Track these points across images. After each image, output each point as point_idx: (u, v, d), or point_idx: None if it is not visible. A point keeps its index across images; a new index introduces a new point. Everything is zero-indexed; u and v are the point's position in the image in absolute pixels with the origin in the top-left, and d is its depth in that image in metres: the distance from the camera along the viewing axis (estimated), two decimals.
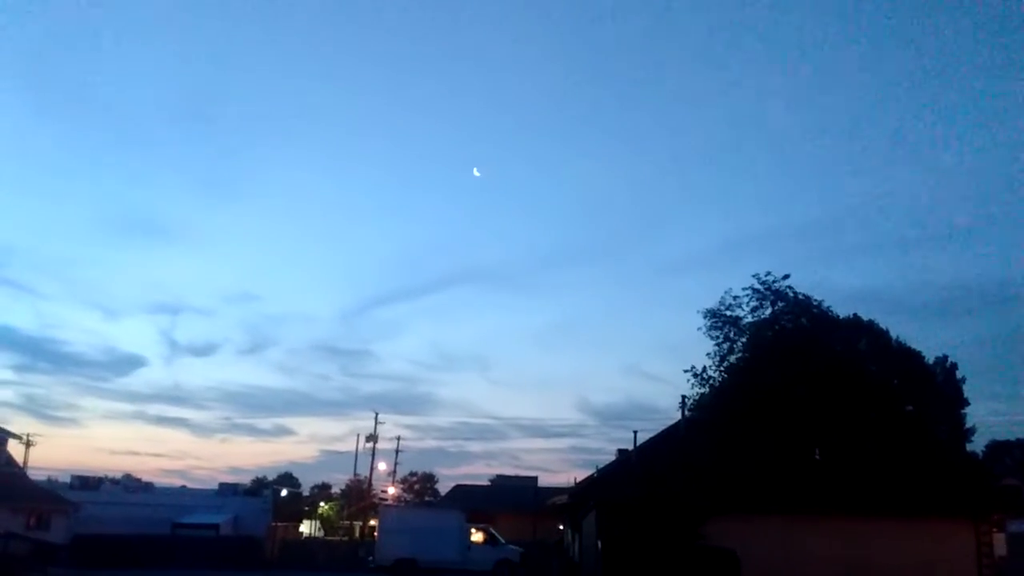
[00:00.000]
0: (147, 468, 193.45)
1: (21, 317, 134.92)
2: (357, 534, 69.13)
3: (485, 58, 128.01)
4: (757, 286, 32.02)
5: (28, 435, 57.25)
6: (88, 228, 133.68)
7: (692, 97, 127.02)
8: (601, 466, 35.83)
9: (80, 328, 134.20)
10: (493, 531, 41.68)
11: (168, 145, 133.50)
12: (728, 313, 32.29)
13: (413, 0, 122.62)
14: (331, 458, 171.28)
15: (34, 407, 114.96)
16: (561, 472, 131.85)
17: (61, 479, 63.58)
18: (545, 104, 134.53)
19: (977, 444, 51.13)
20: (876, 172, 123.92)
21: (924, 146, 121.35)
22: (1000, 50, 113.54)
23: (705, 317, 32.49)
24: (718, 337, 32.18)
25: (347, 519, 78.35)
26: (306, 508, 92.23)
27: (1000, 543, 33.56)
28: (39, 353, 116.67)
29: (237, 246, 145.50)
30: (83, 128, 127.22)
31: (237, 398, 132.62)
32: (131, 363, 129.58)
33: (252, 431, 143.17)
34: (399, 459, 75.05)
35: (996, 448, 57.36)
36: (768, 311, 32.15)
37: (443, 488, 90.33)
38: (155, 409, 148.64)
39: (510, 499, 60.12)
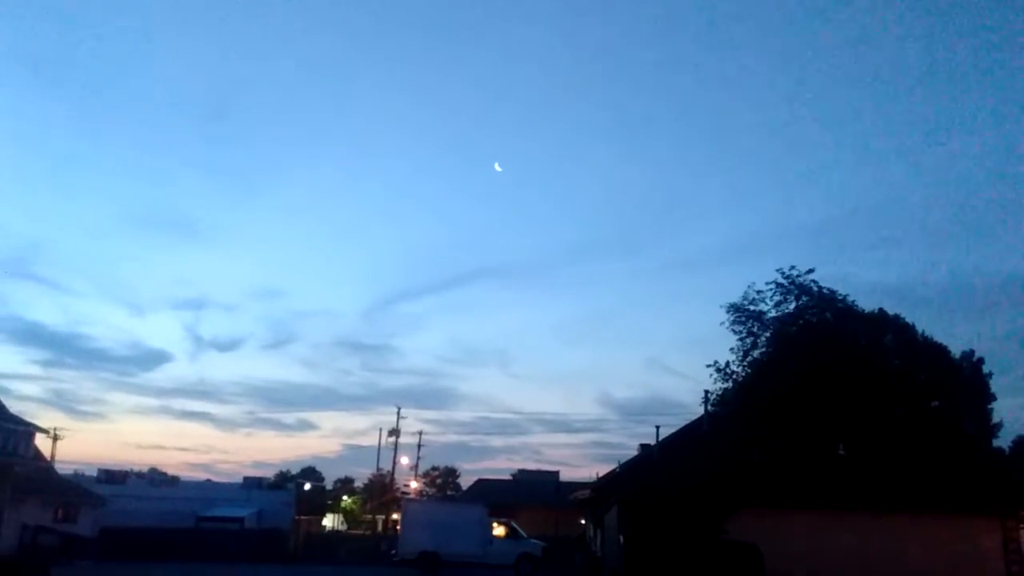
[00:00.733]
0: (173, 462, 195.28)
1: (49, 313, 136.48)
2: (380, 528, 69.53)
3: (506, 53, 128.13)
4: (781, 280, 31.81)
5: (55, 429, 57.95)
6: (115, 225, 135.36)
7: (714, 91, 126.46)
8: (623, 461, 35.82)
9: (107, 324, 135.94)
10: (515, 525, 41.73)
11: (193, 143, 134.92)
12: (752, 308, 32.08)
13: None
14: (354, 452, 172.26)
15: (62, 402, 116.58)
16: (583, 467, 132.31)
17: (88, 473, 64.34)
18: (566, 99, 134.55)
19: (1004, 440, 50.56)
20: (900, 165, 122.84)
21: (949, 138, 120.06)
22: None
23: (728, 312, 32.29)
24: (741, 332, 31.99)
25: (370, 513, 78.82)
26: (329, 502, 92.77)
27: None
28: (67, 349, 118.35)
29: (261, 242, 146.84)
30: (110, 127, 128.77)
31: (261, 392, 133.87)
32: (157, 358, 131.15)
33: (276, 425, 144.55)
34: (421, 453, 75.26)
35: (1023, 444, 56.75)
36: (792, 305, 31.92)
37: (465, 482, 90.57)
38: (180, 404, 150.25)
39: (532, 494, 60.16)
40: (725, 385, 32.64)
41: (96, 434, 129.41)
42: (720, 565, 24.47)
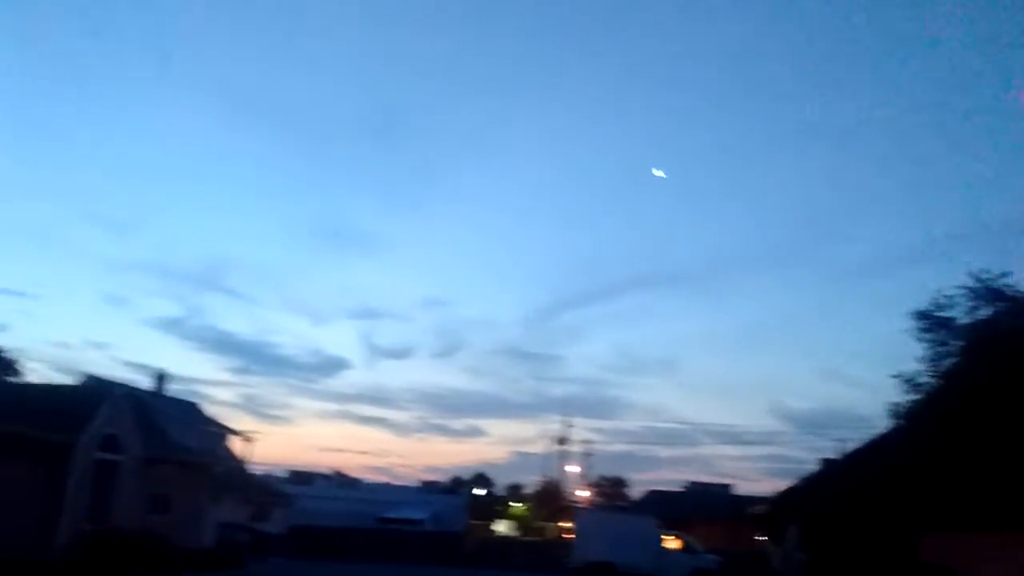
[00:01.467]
0: (353, 464, 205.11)
1: (239, 323, 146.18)
2: (551, 535, 69.88)
3: (664, 58, 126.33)
4: (973, 285, 29.62)
5: (248, 432, 61.81)
6: (296, 240, 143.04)
7: (892, 86, 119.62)
8: (800, 475, 34.43)
9: (291, 333, 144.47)
10: (690, 539, 40.92)
11: (364, 159, 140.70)
12: (941, 314, 30.01)
13: (589, 8, 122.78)
14: (522, 459, 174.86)
15: (252, 406, 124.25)
16: (756, 481, 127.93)
17: (277, 474, 68.28)
18: (734, 99, 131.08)
19: None
20: None
21: None
22: None
23: (915, 319, 30.37)
24: (930, 340, 29.98)
25: (540, 520, 79.38)
26: (499, 508, 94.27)
27: None
28: (256, 356, 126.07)
29: (428, 253, 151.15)
30: (284, 147, 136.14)
31: (432, 399, 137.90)
32: (336, 365, 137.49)
33: (447, 431, 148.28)
34: (589, 462, 75.32)
35: None
36: (986, 311, 29.66)
37: (633, 493, 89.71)
38: (358, 409, 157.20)
39: (704, 506, 58.83)
40: (914, 397, 30.66)
41: (282, 437, 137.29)
42: None
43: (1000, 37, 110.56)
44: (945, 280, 30.16)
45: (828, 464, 35.26)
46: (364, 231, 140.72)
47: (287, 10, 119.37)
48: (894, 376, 30.42)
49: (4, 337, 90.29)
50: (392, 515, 57.71)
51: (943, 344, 30.15)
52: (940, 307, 30.22)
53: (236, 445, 48.12)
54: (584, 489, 79.17)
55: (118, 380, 34.68)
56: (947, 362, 30.09)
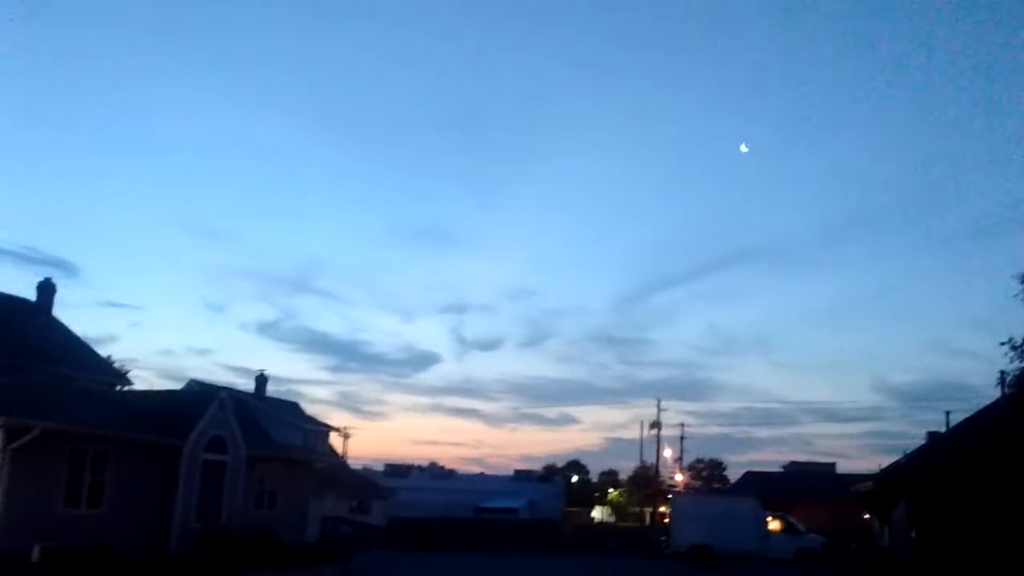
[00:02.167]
0: (447, 456, 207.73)
1: (332, 323, 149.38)
2: (647, 520, 69.52)
3: (747, 35, 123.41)
4: None
5: (345, 428, 63.23)
6: (382, 239, 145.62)
7: (1004, 27, 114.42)
8: (907, 451, 33.38)
9: (381, 330, 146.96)
10: (792, 519, 40.15)
11: (443, 154, 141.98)
12: None
13: None
14: (616, 445, 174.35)
15: (348, 403, 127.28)
16: (860, 458, 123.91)
17: (375, 467, 69.55)
18: (809, 70, 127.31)
19: None
20: None
21: None
22: None
23: (1021, 282, 29.01)
24: None
25: (636, 505, 79.02)
26: (595, 494, 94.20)
27: None
28: (350, 354, 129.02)
29: (512, 244, 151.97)
30: (367, 149, 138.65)
31: (522, 389, 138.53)
32: (427, 360, 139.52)
33: (539, 420, 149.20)
34: (684, 446, 74.48)
35: None
36: None
37: (731, 475, 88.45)
38: (450, 401, 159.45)
39: (806, 486, 57.66)
40: (1022, 364, 29.31)
41: (378, 431, 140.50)
42: None
43: None
44: None
45: (935, 438, 34.14)
46: (448, 226, 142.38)
47: (367, 15, 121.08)
48: (1003, 343, 29.12)
49: (114, 347, 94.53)
50: (488, 504, 58.22)
51: None
52: None
53: (335, 441, 49.27)
54: (680, 473, 78.42)
55: (221, 384, 35.77)
56: None
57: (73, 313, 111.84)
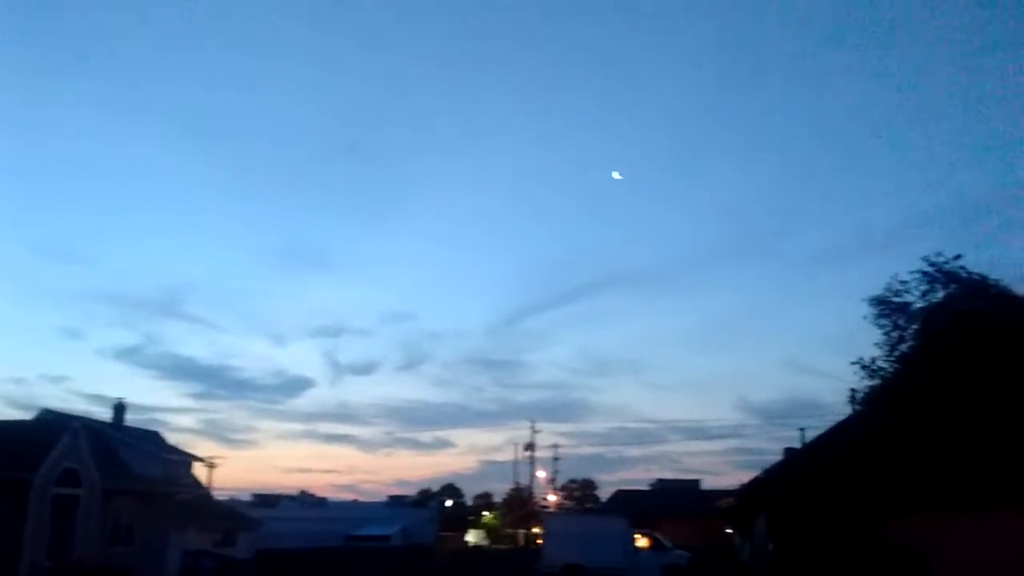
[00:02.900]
0: (319, 484, 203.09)
1: (200, 348, 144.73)
2: (521, 542, 69.84)
3: (620, 63, 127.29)
4: (926, 269, 30.15)
5: (210, 458, 60.78)
6: (255, 262, 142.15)
7: (842, 76, 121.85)
8: (766, 466, 34.78)
9: (252, 355, 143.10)
10: (658, 536, 41.12)
11: (322, 177, 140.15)
12: (896, 299, 30.46)
13: (547, 13, 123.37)
14: (491, 468, 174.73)
15: (215, 431, 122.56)
16: (724, 474, 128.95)
17: (242, 498, 67.26)
18: (680, 103, 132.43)
19: None
20: None
21: None
22: None
23: (871, 305, 30.83)
24: (886, 325, 30.40)
25: (511, 527, 79.31)
26: (470, 518, 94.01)
27: None
28: (217, 380, 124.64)
29: (390, 268, 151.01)
30: (244, 168, 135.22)
31: (398, 413, 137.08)
32: (300, 385, 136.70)
33: (414, 444, 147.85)
34: (557, 467, 75.32)
35: None
36: (940, 295, 30.18)
37: (603, 494, 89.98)
38: (324, 427, 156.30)
39: (673, 503, 59.21)
40: (872, 382, 31.06)
41: (247, 460, 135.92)
42: (882, 573, 23.39)
43: (943, 32, 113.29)
44: (902, 265, 30.61)
45: (791, 454, 35.69)
46: (325, 249, 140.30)
47: (242, 30, 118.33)
48: (853, 363, 30.89)
49: None
50: (360, 532, 57.18)
51: (899, 329, 30.63)
52: (895, 292, 30.72)
53: (200, 472, 47.35)
54: (553, 493, 79.18)
55: (76, 413, 33.95)
56: (904, 346, 30.58)
57: None
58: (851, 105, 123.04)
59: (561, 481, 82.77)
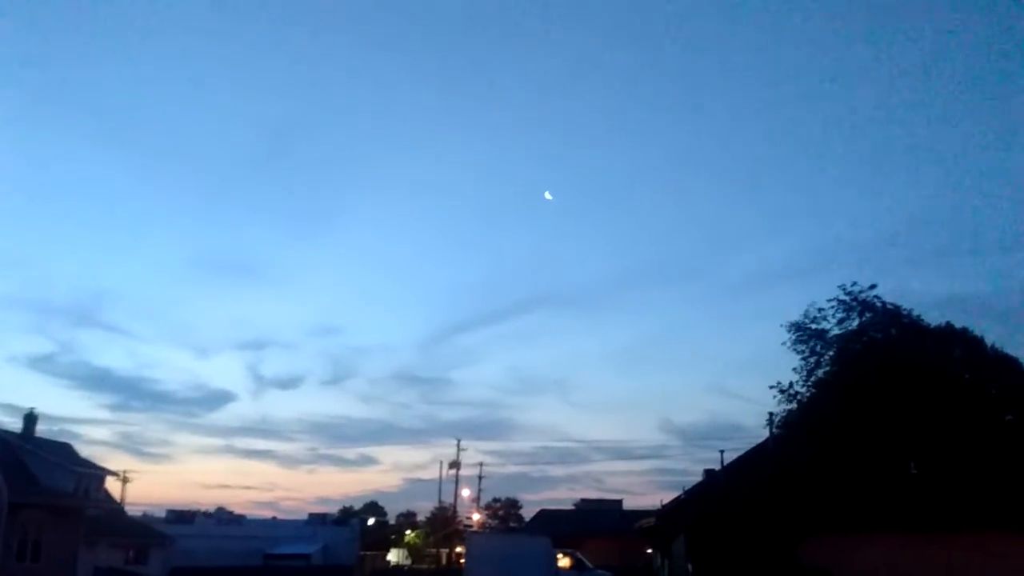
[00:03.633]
0: (238, 500, 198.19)
1: (116, 358, 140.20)
2: (444, 561, 69.36)
3: (552, 86, 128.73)
4: (843, 297, 31.19)
5: (124, 472, 59.07)
6: (177, 271, 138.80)
7: (762, 108, 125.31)
8: (687, 487, 35.31)
9: (171, 367, 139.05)
10: (580, 556, 41.29)
11: (252, 187, 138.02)
12: (813, 326, 31.45)
13: (481, 34, 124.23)
14: (415, 486, 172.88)
15: (129, 444, 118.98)
16: (646, 495, 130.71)
17: (156, 514, 65.46)
18: (612, 126, 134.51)
19: None
20: (963, 175, 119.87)
21: (1012, 146, 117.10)
22: None
23: (789, 331, 31.71)
24: (804, 351, 31.35)
25: (433, 546, 78.69)
26: (393, 536, 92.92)
27: None
28: (134, 392, 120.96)
29: (318, 281, 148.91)
30: (171, 174, 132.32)
31: (322, 429, 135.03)
32: (220, 399, 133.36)
33: (338, 461, 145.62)
34: (482, 485, 75.26)
35: None
36: (855, 323, 31.24)
37: (527, 513, 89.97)
38: (244, 443, 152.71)
39: (595, 523, 59.58)
40: (789, 406, 31.94)
41: (163, 475, 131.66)
42: None
43: (862, 63, 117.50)
44: (826, 292, 31.57)
45: (710, 475, 36.29)
46: (251, 260, 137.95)
47: (167, 35, 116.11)
48: (771, 387, 31.69)
49: None
50: (279, 551, 56.13)
51: (816, 354, 31.59)
52: (813, 319, 31.69)
53: (112, 486, 46.01)
54: (477, 512, 78.96)
55: None
56: (820, 372, 31.53)
57: None
58: (779, 133, 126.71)
59: (485, 500, 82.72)
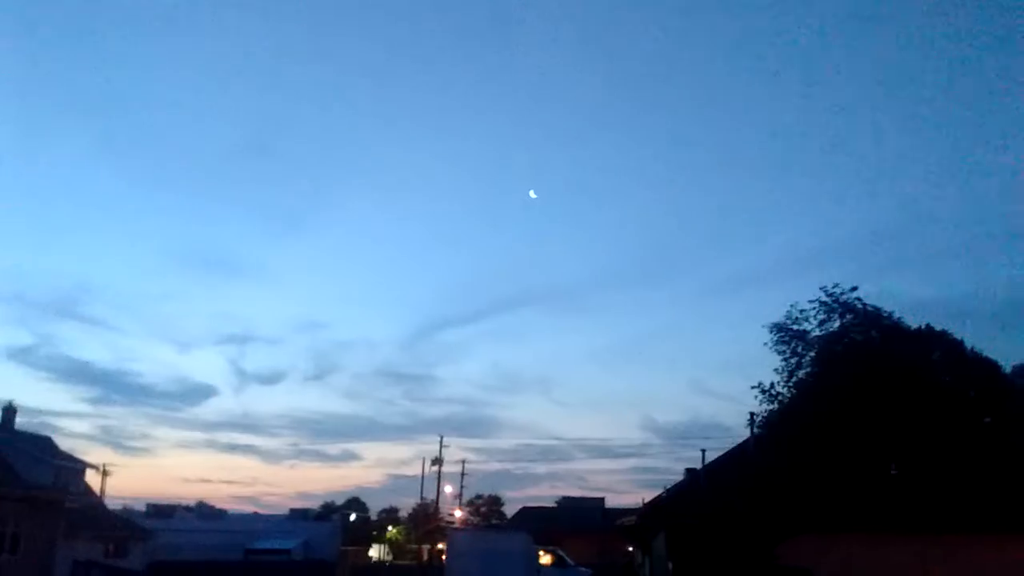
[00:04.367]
0: (219, 495, 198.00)
1: (97, 351, 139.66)
2: (425, 557, 69.36)
3: (537, 85, 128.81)
4: (824, 299, 31.31)
5: (104, 465, 58.65)
6: (160, 265, 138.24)
7: (748, 110, 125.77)
8: (668, 486, 35.47)
9: (154, 360, 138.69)
10: (562, 553, 41.39)
11: (235, 182, 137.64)
12: (795, 327, 31.55)
13: (466, 32, 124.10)
14: (398, 482, 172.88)
15: (110, 438, 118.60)
16: (627, 493, 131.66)
17: (136, 508, 65.10)
18: (599, 124, 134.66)
19: None
20: (945, 178, 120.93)
21: (993, 150, 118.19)
22: None
23: (771, 332, 31.81)
24: (785, 352, 31.44)
25: (415, 543, 78.68)
26: (374, 532, 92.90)
27: None
28: (115, 386, 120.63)
29: (302, 276, 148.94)
30: (153, 168, 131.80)
31: (305, 424, 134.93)
32: (202, 393, 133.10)
33: (320, 456, 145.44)
34: (465, 482, 75.35)
35: None
36: (836, 324, 31.36)
37: (509, 511, 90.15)
38: (226, 437, 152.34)
39: (577, 521, 59.73)
40: (770, 407, 32.03)
41: (144, 469, 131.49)
42: None
43: (852, 65, 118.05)
44: (809, 293, 31.65)
45: (691, 474, 36.46)
46: (234, 255, 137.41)
47: (148, 31, 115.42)
48: (753, 387, 31.81)
49: None
50: (259, 546, 55.84)
51: (797, 355, 31.71)
52: (794, 320, 31.81)
53: (92, 479, 45.72)
54: (459, 509, 78.97)
55: None
56: (801, 372, 31.64)
57: None
58: (767, 133, 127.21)
59: (468, 497, 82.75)
